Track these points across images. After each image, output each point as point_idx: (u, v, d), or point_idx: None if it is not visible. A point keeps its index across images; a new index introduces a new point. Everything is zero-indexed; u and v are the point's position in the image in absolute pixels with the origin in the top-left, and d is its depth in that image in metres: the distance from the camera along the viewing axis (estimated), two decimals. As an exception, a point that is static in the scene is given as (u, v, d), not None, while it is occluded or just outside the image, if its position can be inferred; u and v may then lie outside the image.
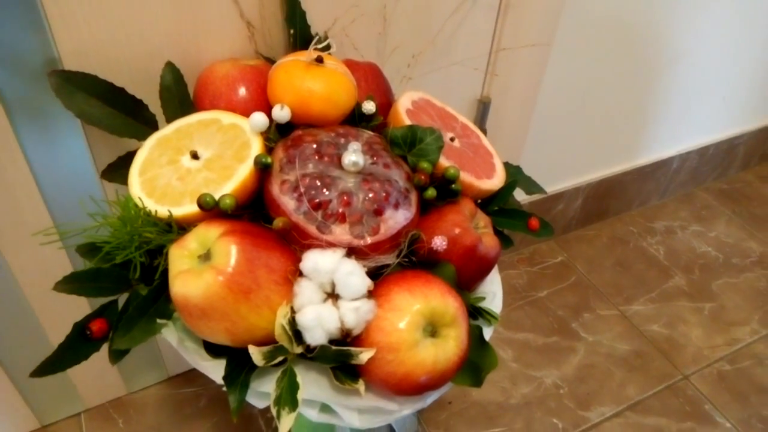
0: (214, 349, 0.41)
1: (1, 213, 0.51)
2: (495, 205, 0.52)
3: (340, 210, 0.39)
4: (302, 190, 0.39)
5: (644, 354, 0.85)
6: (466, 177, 0.47)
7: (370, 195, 0.40)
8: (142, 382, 0.76)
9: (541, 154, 0.89)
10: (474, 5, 0.63)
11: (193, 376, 0.78)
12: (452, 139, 0.51)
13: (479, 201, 0.51)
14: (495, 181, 0.50)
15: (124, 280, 0.39)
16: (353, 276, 0.37)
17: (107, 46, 0.47)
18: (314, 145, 0.42)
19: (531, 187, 0.59)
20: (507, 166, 0.58)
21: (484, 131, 0.76)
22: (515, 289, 0.94)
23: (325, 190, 0.39)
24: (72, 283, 0.37)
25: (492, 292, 0.50)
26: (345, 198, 0.39)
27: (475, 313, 0.48)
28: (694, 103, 1.02)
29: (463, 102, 0.73)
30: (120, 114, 0.47)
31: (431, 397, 0.43)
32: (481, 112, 0.75)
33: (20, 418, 0.69)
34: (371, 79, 0.52)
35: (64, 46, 0.46)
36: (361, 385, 0.40)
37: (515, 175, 0.58)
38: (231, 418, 0.72)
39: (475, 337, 0.44)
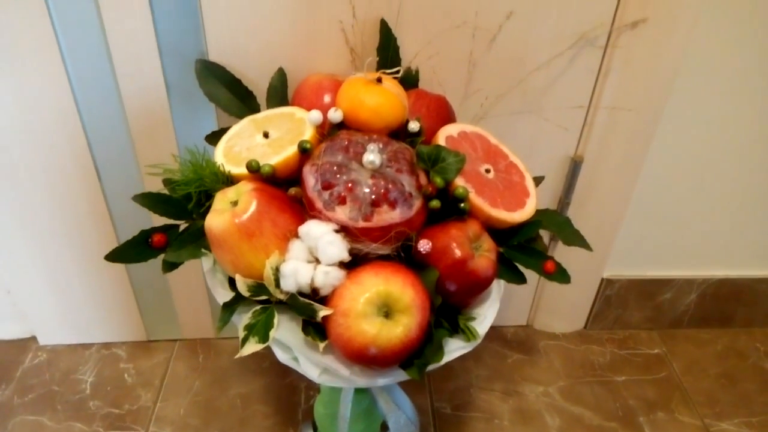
0: (233, 287, 0.51)
1: (150, 157, 0.69)
2: (516, 240, 0.55)
3: (343, 194, 0.47)
4: (321, 171, 0.48)
5: (716, 477, 0.75)
6: (479, 201, 0.51)
7: (372, 188, 0.47)
8: (227, 332, 0.90)
9: (647, 231, 0.85)
10: (571, 64, 0.67)
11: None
12: (487, 171, 0.55)
13: (504, 231, 0.55)
14: (514, 215, 0.53)
15: (185, 210, 0.52)
16: (332, 246, 0.45)
17: (241, 48, 0.63)
18: (346, 142, 0.51)
19: (574, 239, 0.60)
20: (553, 213, 0.60)
21: (572, 189, 0.78)
22: (591, 364, 0.90)
23: (338, 175, 0.48)
24: (147, 199, 0.51)
25: (484, 314, 0.53)
26: (350, 185, 0.47)
27: (462, 328, 0.52)
28: None
29: (552, 156, 0.75)
30: (236, 99, 0.62)
31: (382, 380, 0.48)
32: (572, 170, 0.76)
33: (134, 328, 0.88)
34: (433, 108, 0.59)
35: (211, 44, 0.62)
36: (322, 343, 0.46)
37: (560, 225, 0.60)
38: (281, 382, 0.83)
39: (438, 342, 0.48)
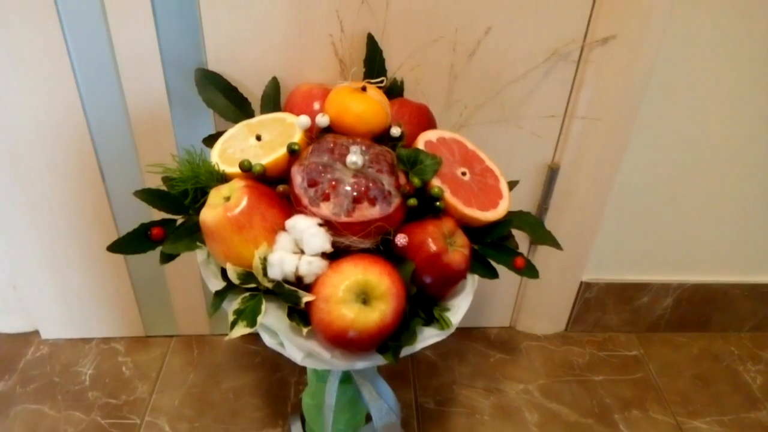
0: (226, 277, 0.55)
1: (151, 158, 0.74)
2: (489, 237, 0.59)
3: (327, 191, 0.52)
4: (307, 171, 0.53)
5: (686, 472, 0.78)
6: (453, 201, 0.56)
7: (354, 186, 0.52)
8: (222, 329, 0.94)
9: (624, 236, 0.90)
10: (546, 77, 0.72)
11: (259, 339, 0.93)
12: (464, 174, 0.59)
13: (479, 229, 0.59)
14: (487, 215, 0.57)
15: (182, 206, 0.57)
16: (315, 238, 0.49)
17: (237, 59, 0.67)
18: (331, 145, 0.55)
19: (545, 239, 0.64)
20: (526, 215, 0.64)
21: (549, 195, 0.82)
22: (570, 364, 0.94)
23: (323, 174, 0.52)
24: (147, 195, 0.55)
25: (458, 306, 0.57)
26: (333, 183, 0.52)
27: (437, 318, 0.56)
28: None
29: (530, 164, 0.80)
30: (232, 105, 0.67)
31: (360, 363, 0.52)
32: (549, 177, 0.81)
33: (132, 324, 0.92)
34: (415, 115, 0.64)
35: (210, 54, 0.67)
36: (305, 329, 0.51)
37: (532, 225, 0.64)
38: (271, 377, 0.87)
39: (412, 329, 0.52)
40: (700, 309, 0.99)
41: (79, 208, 0.78)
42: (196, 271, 0.86)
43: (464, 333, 0.98)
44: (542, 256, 0.89)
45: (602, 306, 0.97)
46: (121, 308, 0.90)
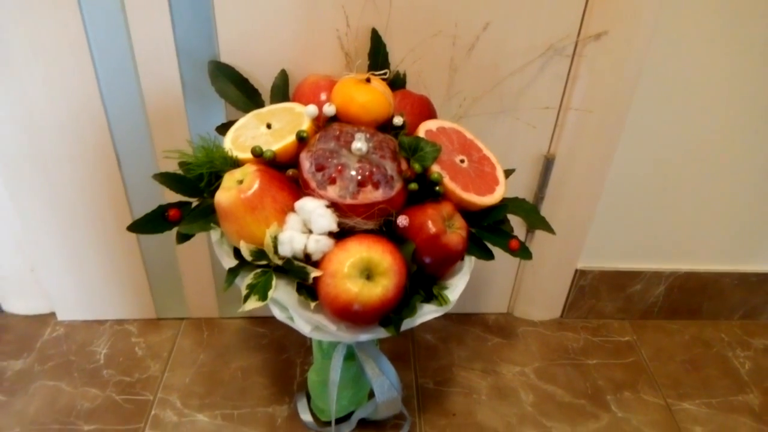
0: (238, 256, 0.59)
1: (166, 146, 0.77)
2: (486, 221, 0.62)
3: (334, 175, 0.55)
4: (315, 156, 0.56)
5: (674, 450, 0.82)
6: (452, 186, 0.59)
7: (359, 171, 0.55)
8: (230, 313, 0.98)
9: (618, 225, 0.93)
10: (541, 71, 0.75)
11: (267, 321, 0.97)
12: (462, 161, 0.63)
13: (476, 213, 0.62)
14: (483, 199, 0.61)
15: (197, 189, 0.60)
16: (322, 218, 0.53)
17: (249, 52, 0.71)
18: (337, 132, 0.59)
19: (539, 224, 0.68)
20: (521, 201, 0.68)
21: (545, 185, 0.86)
22: (565, 349, 0.97)
23: (329, 160, 0.56)
24: (165, 178, 0.59)
25: (456, 284, 0.60)
26: (339, 168, 0.55)
27: (436, 295, 0.59)
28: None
29: (527, 154, 0.83)
30: (243, 96, 0.71)
31: (364, 335, 0.56)
32: (545, 167, 0.84)
33: (145, 307, 0.96)
34: (416, 106, 0.67)
35: (223, 47, 0.71)
36: (313, 303, 0.54)
37: (527, 211, 0.68)
38: (278, 358, 0.91)
39: (413, 304, 0.56)
40: (692, 297, 1.02)
41: (96, 194, 0.82)
42: (207, 257, 0.90)
43: (463, 318, 1.02)
44: (538, 245, 0.93)
45: (596, 293, 1.00)
46: (134, 291, 0.94)
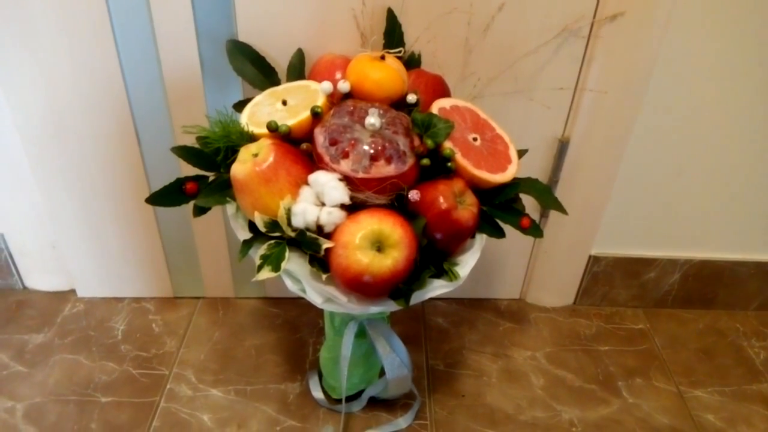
0: (252, 229, 0.60)
1: (184, 122, 0.79)
2: (498, 199, 0.63)
3: (347, 149, 0.56)
4: (328, 131, 0.57)
5: (684, 435, 0.82)
6: (464, 162, 0.60)
7: (372, 145, 0.56)
8: (246, 293, 1.00)
9: (632, 211, 0.92)
10: (557, 52, 0.75)
11: (280, 302, 0.99)
12: (474, 139, 0.63)
13: (488, 191, 0.63)
14: (495, 177, 0.61)
15: (214, 163, 0.61)
16: (335, 190, 0.54)
17: (266, 31, 0.72)
18: (351, 108, 0.59)
19: (551, 204, 0.68)
20: (534, 181, 0.68)
21: (560, 168, 0.86)
22: (577, 335, 0.97)
23: (343, 134, 0.57)
24: (183, 152, 0.60)
25: (466, 261, 0.61)
26: (352, 142, 0.56)
27: (446, 271, 0.60)
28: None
29: (542, 137, 0.83)
30: (260, 74, 0.72)
31: (374, 308, 0.57)
32: (560, 150, 0.84)
33: (162, 284, 0.98)
34: (430, 85, 0.68)
35: (241, 27, 0.72)
36: (325, 275, 0.55)
37: (540, 191, 0.68)
38: (291, 337, 0.93)
39: (423, 277, 0.56)
40: (707, 286, 1.01)
41: (117, 171, 0.84)
42: (223, 237, 0.92)
43: (475, 303, 1.02)
44: (552, 230, 0.93)
45: (610, 280, 1.00)
46: (152, 270, 0.96)
